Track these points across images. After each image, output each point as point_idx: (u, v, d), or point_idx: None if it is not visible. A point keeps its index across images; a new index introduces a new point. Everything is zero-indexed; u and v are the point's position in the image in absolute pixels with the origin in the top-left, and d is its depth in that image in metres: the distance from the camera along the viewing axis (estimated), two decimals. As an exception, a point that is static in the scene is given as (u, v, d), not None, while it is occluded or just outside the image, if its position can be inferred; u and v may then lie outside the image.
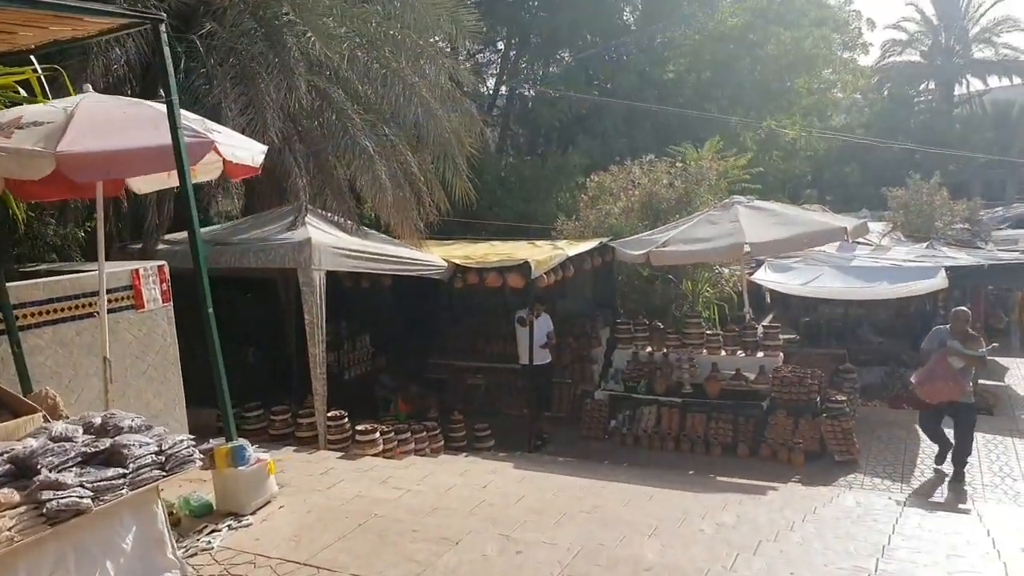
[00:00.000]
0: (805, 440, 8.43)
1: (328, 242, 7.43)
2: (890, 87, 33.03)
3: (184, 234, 8.18)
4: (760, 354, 9.60)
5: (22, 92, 4.65)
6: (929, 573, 4.26)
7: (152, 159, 3.81)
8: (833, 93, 25.56)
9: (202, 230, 8.29)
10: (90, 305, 4.77)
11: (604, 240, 11.00)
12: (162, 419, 5.27)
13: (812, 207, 16.02)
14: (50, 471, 2.90)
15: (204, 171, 4.82)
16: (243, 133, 6.97)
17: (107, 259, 6.04)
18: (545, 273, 9.08)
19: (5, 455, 2.95)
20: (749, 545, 4.58)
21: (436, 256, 9.25)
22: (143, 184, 4.93)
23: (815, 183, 28.06)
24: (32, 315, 4.53)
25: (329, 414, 7.19)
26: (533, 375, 9.74)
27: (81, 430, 3.23)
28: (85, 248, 6.95)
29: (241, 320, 10.48)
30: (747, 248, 9.30)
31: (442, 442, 8.07)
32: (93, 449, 3.10)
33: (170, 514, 3.80)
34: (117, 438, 3.17)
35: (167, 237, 7.92)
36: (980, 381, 10.92)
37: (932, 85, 33.52)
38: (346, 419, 7.21)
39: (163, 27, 3.70)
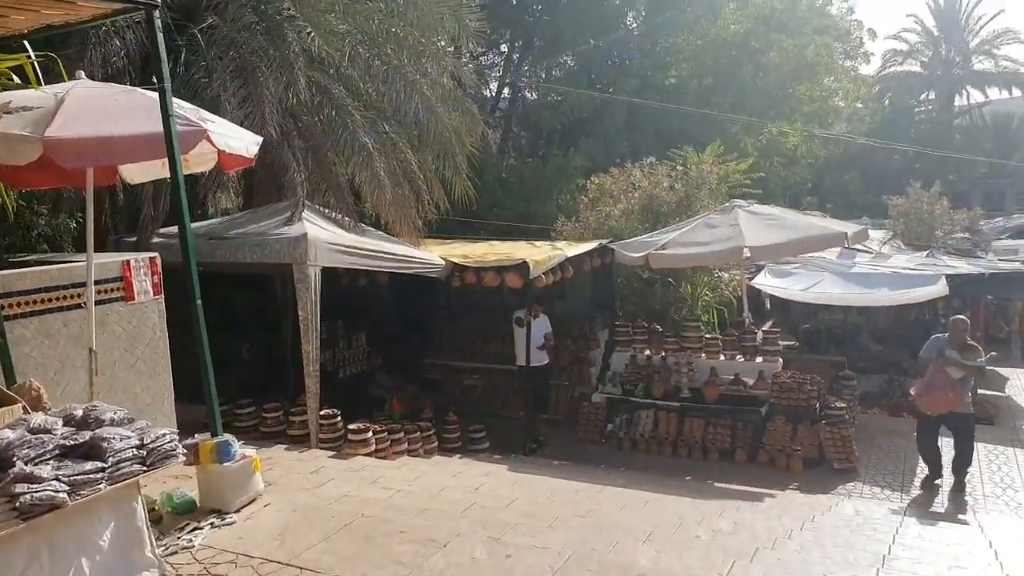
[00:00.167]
0: (804, 447, 8.35)
1: (324, 238, 7.35)
2: (891, 97, 33.15)
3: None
4: (759, 359, 9.53)
5: (16, 79, 4.57)
6: (930, 584, 4.18)
7: (143, 147, 3.73)
8: (834, 101, 25.54)
9: (198, 224, 8.29)
10: (78, 296, 4.68)
11: (603, 242, 10.93)
12: (150, 414, 5.19)
13: (813, 214, 15.96)
14: (25, 464, 2.81)
15: (198, 162, 4.75)
16: (241, 127, 6.92)
17: (103, 251, 5.99)
18: (543, 273, 9.01)
19: (-21, 447, 2.85)
20: (746, 552, 4.49)
21: (434, 255, 9.17)
22: (136, 174, 4.85)
23: (815, 190, 28.11)
24: (18, 305, 4.43)
25: (322, 412, 7.10)
26: (530, 377, 9.65)
27: (61, 422, 3.14)
28: (77, 239, 6.88)
29: (237, 316, 10.41)
30: (747, 252, 9.22)
31: (436, 443, 7.97)
32: (72, 442, 3.01)
33: (152, 511, 3.71)
34: (97, 431, 3.08)
35: (162, 230, 7.83)
36: (980, 391, 10.90)
37: (932, 95, 33.64)
38: (339, 418, 7.12)
39: (156, 12, 3.61)
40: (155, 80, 3.62)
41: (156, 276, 5.23)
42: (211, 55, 7.52)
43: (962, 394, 7.04)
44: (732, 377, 9.29)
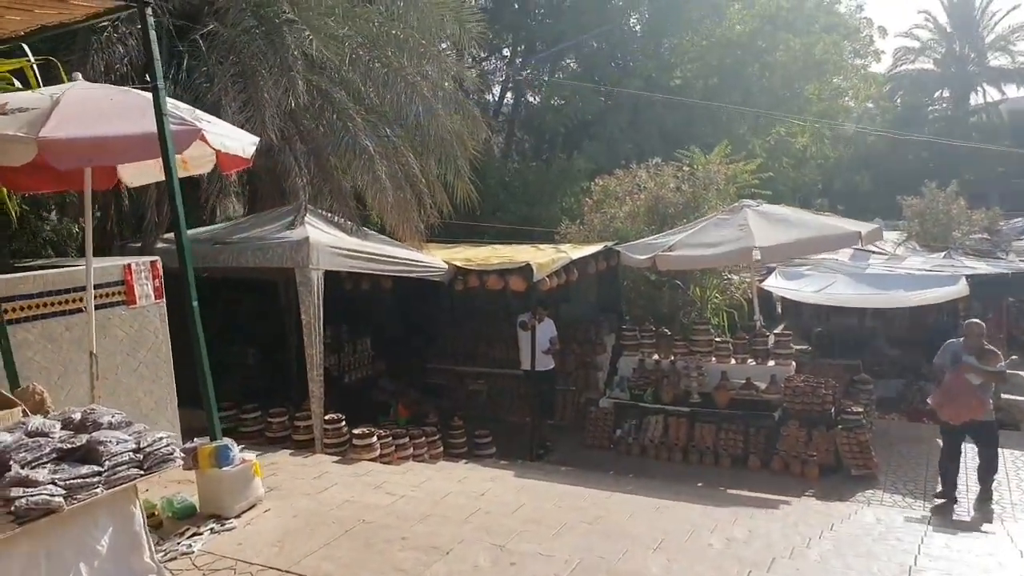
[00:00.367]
0: (819, 453, 8.16)
1: (326, 242, 7.31)
2: (903, 95, 32.70)
3: (183, 233, 8.11)
4: (771, 363, 9.36)
5: (16, 83, 4.56)
6: (962, 598, 4.00)
7: (137, 146, 3.68)
8: (844, 101, 25.26)
9: (202, 229, 8.28)
10: (80, 300, 4.65)
11: (609, 244, 10.82)
12: (152, 418, 5.14)
13: (824, 214, 15.76)
14: (22, 467, 2.76)
15: (197, 164, 4.72)
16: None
17: (107, 256, 5.96)
18: (547, 276, 8.93)
19: (-24, 451, 2.80)
20: (762, 562, 4.34)
21: (437, 258, 9.12)
22: (135, 176, 4.81)
23: (826, 192, 27.76)
24: (21, 309, 4.41)
25: (326, 417, 7.04)
26: (535, 381, 9.56)
27: (59, 426, 3.09)
28: (82, 244, 6.84)
29: (242, 321, 10.40)
30: (757, 253, 9.08)
31: (441, 448, 7.90)
32: (69, 445, 2.95)
33: (152, 515, 3.66)
34: (94, 434, 3.02)
35: (166, 235, 7.80)
36: (1004, 396, 10.65)
37: (946, 93, 33.15)
38: (343, 423, 7.06)
39: (149, 10, 3.57)
40: (149, 80, 3.57)
41: (158, 280, 5.19)
42: (212, 60, 7.51)
43: (984, 401, 6.79)
44: (743, 381, 9.13)
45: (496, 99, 23.80)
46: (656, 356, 9.91)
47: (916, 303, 10.44)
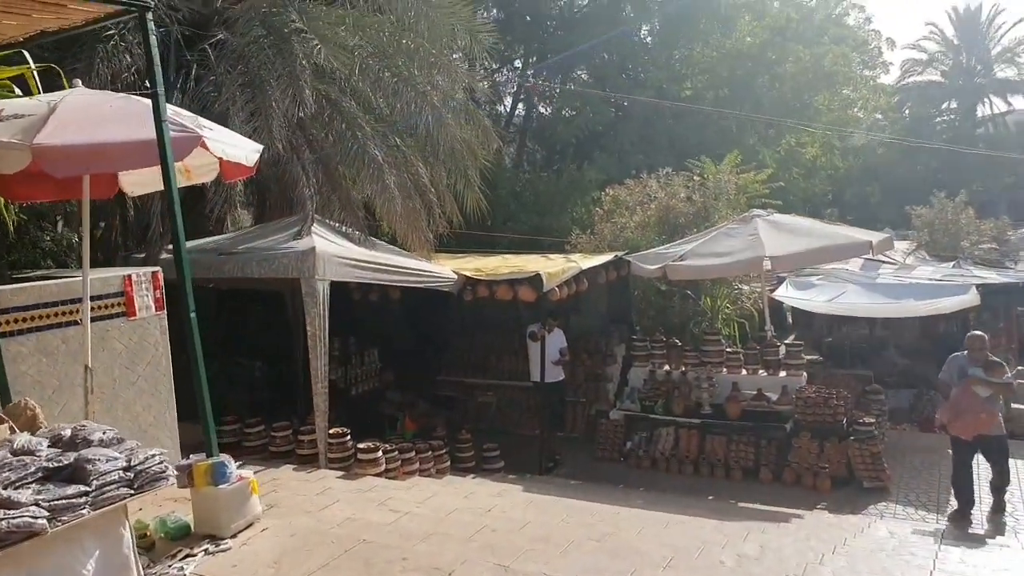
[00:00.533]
0: (831, 465, 8.05)
1: (333, 252, 7.21)
2: (910, 107, 32.65)
3: (189, 244, 8.03)
4: (783, 373, 9.26)
5: (17, 91, 4.51)
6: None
7: (136, 154, 3.60)
8: (854, 112, 25.17)
9: (208, 239, 8.22)
10: (77, 312, 4.55)
11: (619, 254, 10.72)
12: (152, 433, 5.04)
13: (835, 224, 15.64)
14: (4, 488, 2.64)
15: (199, 173, 4.65)
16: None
17: (112, 267, 5.88)
18: (558, 286, 8.82)
19: (-42, 470, 2.69)
20: (775, 580, 4.20)
21: (446, 268, 9.01)
22: (137, 185, 4.74)
23: (836, 202, 27.59)
24: (15, 321, 4.31)
25: (331, 431, 6.91)
26: (545, 393, 9.43)
27: (46, 443, 2.98)
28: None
29: (248, 333, 10.32)
30: (767, 263, 8.97)
31: (448, 462, 7.75)
32: (56, 464, 2.84)
33: (144, 536, 3.53)
34: (83, 452, 2.91)
35: (171, 246, 7.74)
36: (1013, 405, 10.48)
37: (954, 105, 33.07)
38: (348, 437, 6.92)
39: (149, 15, 3.50)
40: (149, 86, 3.50)
41: (159, 291, 5.09)
42: (221, 69, 7.48)
43: (994, 414, 6.65)
44: (755, 392, 9.04)
45: (508, 110, 23.87)
46: (667, 367, 9.80)
47: (927, 312, 10.36)
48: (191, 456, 4.06)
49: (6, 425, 3.22)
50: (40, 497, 2.68)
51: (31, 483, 2.76)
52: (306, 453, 7.02)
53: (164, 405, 5.16)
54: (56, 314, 4.47)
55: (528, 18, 22.46)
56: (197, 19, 7.94)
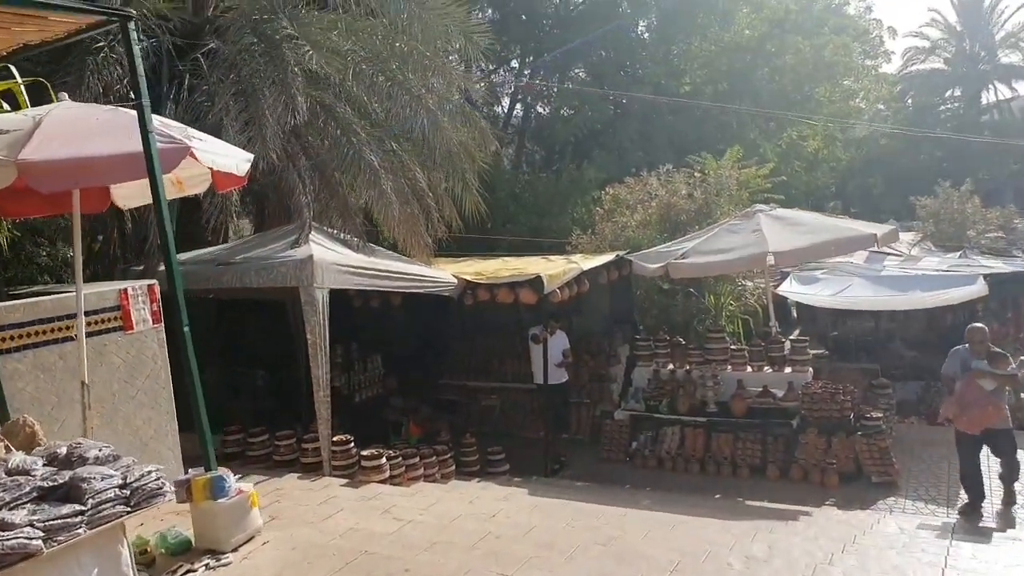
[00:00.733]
0: (839, 460, 8.00)
1: (332, 259, 7.18)
2: (913, 96, 32.41)
3: (187, 255, 8.04)
4: (788, 369, 9.17)
5: (6, 106, 4.49)
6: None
7: (124, 166, 3.56)
8: (856, 102, 24.99)
9: (205, 250, 8.20)
10: (73, 327, 4.51)
11: (621, 253, 10.66)
12: (153, 446, 5.02)
13: (838, 217, 15.54)
14: (-1, 509, 2.62)
15: (191, 184, 4.63)
16: (244, 150, 6.81)
17: (110, 280, 5.85)
18: (559, 288, 8.76)
19: (-49, 492, 2.67)
20: (784, 582, 4.14)
21: (446, 273, 8.98)
22: (129, 198, 4.71)
23: (839, 195, 27.49)
24: (11, 338, 4.28)
25: (335, 439, 6.88)
26: (549, 395, 9.38)
27: (41, 462, 2.96)
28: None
29: (250, 342, 10.31)
30: (771, 258, 8.90)
31: (453, 467, 7.72)
32: (51, 483, 2.81)
33: (144, 552, 3.50)
34: (78, 471, 2.88)
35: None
36: (1023, 395, 10.39)
37: (958, 92, 32.82)
38: (352, 444, 6.90)
39: (131, 25, 3.47)
40: (133, 96, 3.47)
41: (155, 304, 5.06)
42: (213, 78, 7.45)
43: (1000, 407, 6.55)
44: (760, 389, 8.95)
45: (505, 111, 23.81)
46: (671, 366, 9.74)
47: (935, 304, 10.25)
48: (189, 471, 4.03)
49: (2, 444, 3.19)
50: (35, 518, 2.65)
51: (26, 503, 2.74)
52: (310, 461, 6.99)
53: (165, 418, 5.13)
54: (52, 330, 4.45)
55: (524, 17, 22.38)
56: (188, 28, 7.91)
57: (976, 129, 29.19)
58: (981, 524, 6.55)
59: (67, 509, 2.74)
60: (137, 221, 7.50)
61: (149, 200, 4.76)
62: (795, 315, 12.80)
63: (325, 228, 8.35)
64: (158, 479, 3.03)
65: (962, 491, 7.01)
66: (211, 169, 4.13)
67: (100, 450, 3.08)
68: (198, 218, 7.26)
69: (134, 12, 3.44)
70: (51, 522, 2.68)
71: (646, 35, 23.77)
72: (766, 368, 9.29)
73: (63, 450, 3.11)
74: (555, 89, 22.46)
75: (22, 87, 4.08)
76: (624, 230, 12.57)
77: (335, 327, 7.40)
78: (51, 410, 4.46)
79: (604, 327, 11.47)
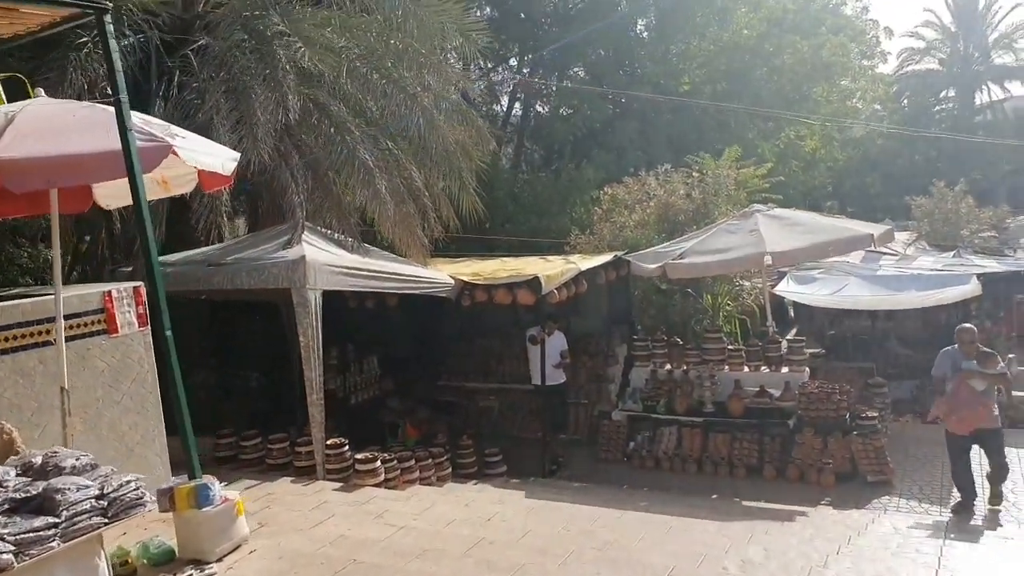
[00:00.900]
0: (835, 460, 8.00)
1: (325, 260, 7.07)
2: (909, 96, 32.49)
3: (177, 255, 7.93)
4: (785, 369, 9.16)
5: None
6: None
7: (102, 165, 3.46)
8: (853, 102, 24.99)
9: (197, 251, 8.09)
10: (53, 331, 4.40)
11: (619, 254, 10.59)
12: (139, 452, 4.91)
13: (837, 217, 15.50)
14: (-32, 522, 2.52)
15: (177, 184, 4.53)
16: (235, 149, 6.70)
17: (99, 281, 5.73)
18: (556, 289, 8.69)
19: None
20: (780, 587, 4.06)
21: (443, 273, 8.88)
22: (112, 198, 4.59)
23: (836, 194, 27.52)
24: (-10, 342, 4.17)
25: (328, 442, 6.78)
26: (546, 396, 9.32)
27: (14, 472, 2.86)
28: (65, 271, 6.67)
29: (244, 344, 10.20)
30: (768, 258, 8.85)
31: (449, 469, 7.64)
32: (24, 495, 2.71)
33: (124, 563, 3.40)
34: (52, 481, 2.78)
35: (160, 259, 7.60)
36: (1016, 393, 10.37)
37: (952, 93, 32.90)
38: (346, 447, 6.79)
39: (107, 17, 3.35)
40: (111, 93, 3.36)
41: (141, 307, 4.95)
42: (203, 76, 7.34)
43: (990, 407, 6.54)
44: (757, 389, 8.95)
45: (504, 110, 23.70)
46: (668, 366, 9.69)
47: (930, 303, 10.23)
48: (172, 479, 3.92)
49: (-25, 453, 3.09)
50: (6, 531, 2.55)
51: (-2, 515, 2.63)
52: (304, 465, 6.89)
53: (151, 423, 5.02)
54: (32, 334, 4.32)
55: (522, 16, 22.27)
56: (178, 24, 7.79)
57: (970, 129, 29.27)
58: (973, 522, 6.54)
59: (40, 522, 2.63)
60: (126, 221, 7.40)
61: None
62: (792, 314, 12.77)
63: (319, 228, 8.24)
64: (137, 489, 2.93)
65: (955, 489, 7.00)
66: (197, 168, 4.02)
67: (77, 459, 2.98)
68: (188, 218, 7.14)
69: (109, 4, 3.32)
70: (23, 535, 2.57)
71: (645, 34, 23.68)
72: (763, 368, 9.25)
73: (38, 459, 3.02)
74: (554, 88, 22.37)
75: (-1, 88, 3.97)
76: (622, 230, 12.49)
77: (330, 328, 7.29)
78: (31, 416, 4.34)
79: (602, 327, 11.39)
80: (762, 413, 8.69)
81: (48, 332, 4.34)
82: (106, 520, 2.81)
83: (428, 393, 11.16)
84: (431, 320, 11.40)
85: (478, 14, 18.17)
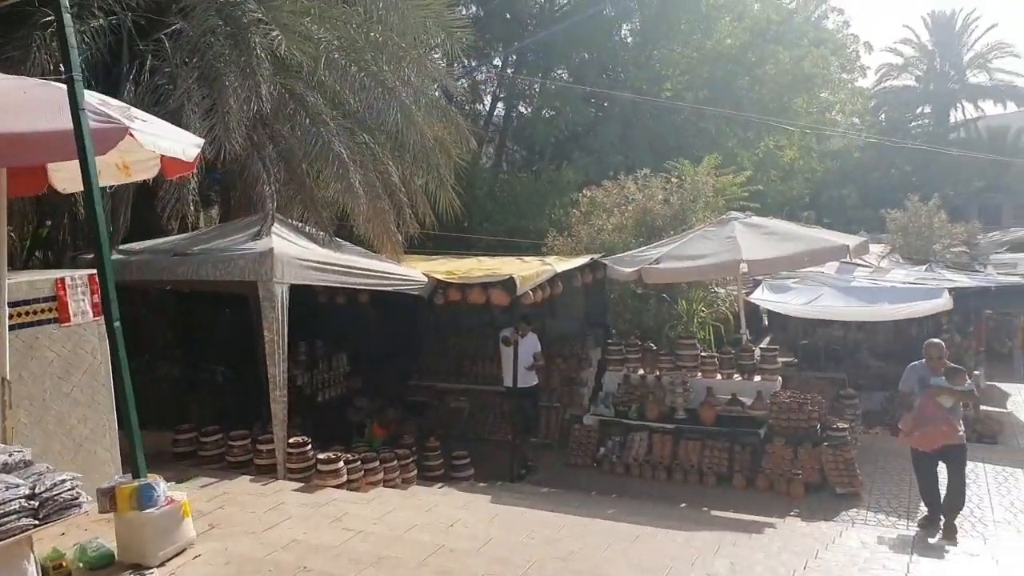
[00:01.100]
0: (805, 471, 8.00)
1: (294, 253, 6.90)
2: (886, 111, 33.04)
3: (142, 244, 7.71)
4: (757, 378, 9.14)
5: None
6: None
7: (52, 145, 3.28)
8: (831, 115, 25.30)
9: (163, 240, 7.86)
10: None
11: (595, 257, 10.53)
12: (88, 447, 4.72)
13: (811, 227, 15.62)
14: None
15: (139, 169, 4.35)
16: (204, 138, 6.50)
17: (60, 268, 5.49)
18: (532, 290, 8.59)
19: None
20: (745, 602, 4.01)
21: (416, 271, 8.74)
22: (68, 181, 4.39)
23: (813, 205, 27.85)
24: (-72, 329, 3.95)
25: (291, 441, 6.60)
26: (518, 398, 9.21)
27: (-59, 468, 2.67)
28: (18, 256, 6.42)
29: (211, 337, 9.96)
30: (744, 266, 8.84)
31: (415, 471, 7.48)
32: (-52, 492, 2.54)
33: (59, 567, 3.22)
34: (-21, 479, 2.61)
35: (123, 247, 7.39)
36: (983, 407, 10.54)
37: (927, 109, 33.53)
38: (309, 447, 6.62)
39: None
40: (63, 70, 3.19)
41: (97, 295, 4.74)
42: (176, 61, 7.12)
43: (955, 425, 6.48)
44: (729, 397, 8.94)
45: (487, 109, 23.59)
46: (641, 371, 9.66)
47: (901, 316, 10.32)
48: (115, 477, 3.74)
49: (-99, 447, 2.90)
50: (-76, 532, 2.39)
51: (-82, 515, 2.47)
52: (265, 463, 6.71)
53: (103, 417, 4.82)
54: (-24, 321, 4.12)
55: (507, 16, 22.19)
56: (152, 6, 7.54)
57: (944, 146, 29.83)
58: (937, 539, 6.50)
59: (-37, 522, 2.47)
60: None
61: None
62: (766, 323, 12.83)
63: (290, 221, 8.06)
64: (73, 488, 2.77)
65: (922, 504, 7.01)
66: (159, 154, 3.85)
67: (10, 455, 2.82)
68: (155, 206, 6.92)
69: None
70: (-56, 536, 2.41)
71: (629, 39, 23.75)
72: (735, 376, 9.24)
73: (-29, 455, 2.83)
74: (537, 88, 22.31)
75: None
76: (600, 233, 12.46)
77: (300, 324, 7.12)
78: (-26, 409, 4.13)
79: (577, 330, 11.34)
80: (733, 421, 8.67)
81: (-8, 320, 4.13)
82: (37, 521, 2.65)
83: (398, 392, 11.02)
84: (404, 319, 11.25)
85: (463, 12, 18.06)
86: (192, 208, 6.81)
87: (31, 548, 2.73)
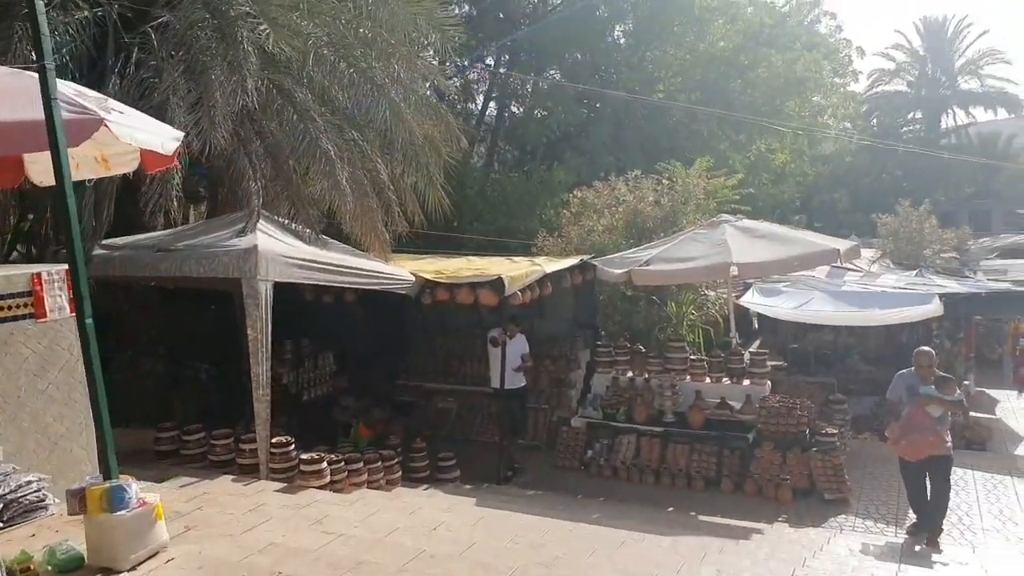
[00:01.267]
0: (793, 476, 7.96)
1: (279, 251, 6.80)
2: (878, 116, 33.20)
3: (124, 239, 7.59)
4: (747, 382, 9.12)
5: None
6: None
7: (22, 136, 3.18)
8: (823, 119, 25.39)
9: (147, 235, 7.75)
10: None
11: (585, 258, 10.48)
12: (63, 445, 4.61)
13: (802, 231, 15.64)
14: None
15: (118, 162, 4.25)
16: (190, 132, 6.41)
17: (42, 263, 5.39)
18: (520, 290, 8.53)
19: None
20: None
21: (404, 270, 8.66)
22: (45, 174, 4.26)
23: (804, 209, 27.92)
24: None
25: (274, 440, 6.51)
26: (505, 400, 9.14)
27: (-100, 468, 2.58)
28: (2, 250, 6.31)
29: (195, 334, 9.85)
30: (734, 269, 8.80)
31: (399, 473, 7.40)
32: (-95, 495, 2.44)
33: (27, 570, 3.12)
34: (-61, 480, 2.51)
35: (105, 242, 7.28)
36: (972, 414, 10.56)
37: (919, 115, 33.72)
38: (292, 446, 6.53)
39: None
40: (35, 59, 3.10)
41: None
42: (162, 54, 7.01)
43: (942, 435, 6.43)
44: (718, 401, 8.91)
45: (479, 108, 23.53)
46: (630, 374, 9.61)
47: (892, 321, 10.32)
48: (86, 478, 3.63)
49: None
50: None
51: None
52: (247, 463, 6.61)
53: (80, 414, 4.71)
54: (-52, 316, 4.02)
55: (500, 15, 22.13)
56: (142, -1, 7.45)
57: (935, 151, 30.01)
58: (923, 547, 6.47)
59: (-79, 525, 2.38)
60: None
61: (76, 177, 4.38)
62: (756, 326, 12.82)
63: (276, 218, 7.96)
64: (39, 490, 2.68)
65: (911, 511, 6.98)
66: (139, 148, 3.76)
67: (-24, 456, 2.71)
68: (138, 200, 6.82)
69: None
70: (-100, 540, 2.32)
71: (622, 40, 23.74)
72: (725, 379, 9.20)
73: (-66, 454, 2.74)
74: (529, 88, 22.25)
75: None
76: (590, 234, 12.40)
77: (286, 322, 7.02)
78: (-54, 406, 4.04)
79: (566, 331, 11.29)
80: (722, 425, 8.63)
81: (-37, 316, 4.04)
82: (1, 524, 2.56)
83: (385, 392, 10.93)
84: (392, 318, 11.17)
85: (456, 11, 17.99)
86: (176, 203, 6.70)
87: (-6, 552, 2.64)
